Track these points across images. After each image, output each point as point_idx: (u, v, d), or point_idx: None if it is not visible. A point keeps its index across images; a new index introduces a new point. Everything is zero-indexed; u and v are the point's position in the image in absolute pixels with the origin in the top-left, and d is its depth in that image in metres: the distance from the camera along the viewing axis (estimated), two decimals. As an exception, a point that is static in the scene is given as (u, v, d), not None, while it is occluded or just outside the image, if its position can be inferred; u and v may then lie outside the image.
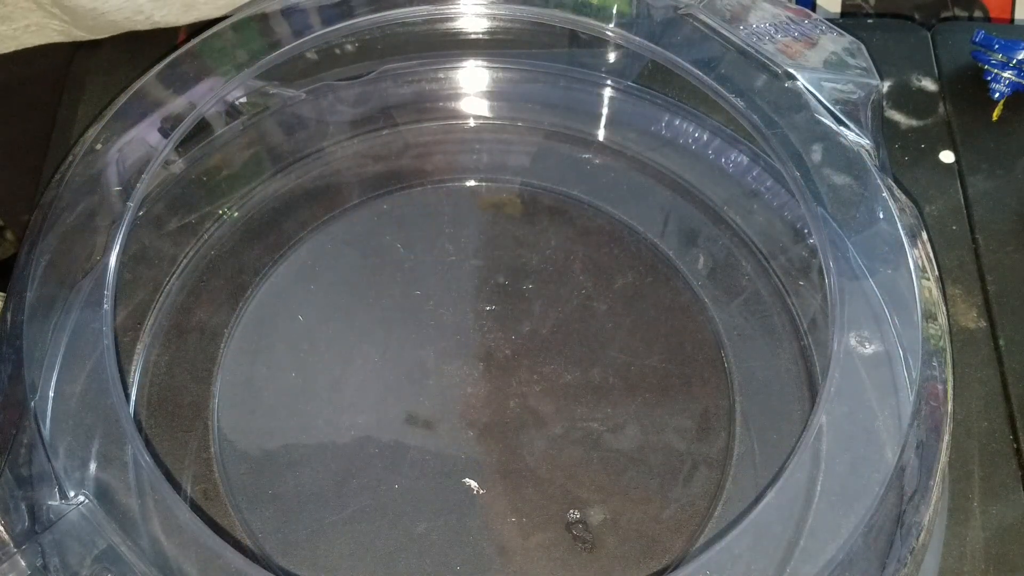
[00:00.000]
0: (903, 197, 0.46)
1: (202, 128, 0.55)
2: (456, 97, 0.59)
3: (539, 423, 0.47)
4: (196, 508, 0.44)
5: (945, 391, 0.41)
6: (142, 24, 0.60)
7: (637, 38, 0.52)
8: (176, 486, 0.44)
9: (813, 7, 0.68)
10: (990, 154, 0.57)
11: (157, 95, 0.49)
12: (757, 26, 0.51)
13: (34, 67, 0.62)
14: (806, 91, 0.48)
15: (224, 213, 0.54)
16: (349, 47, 0.58)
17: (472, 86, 0.59)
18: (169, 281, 0.51)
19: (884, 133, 0.51)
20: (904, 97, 0.59)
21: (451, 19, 0.58)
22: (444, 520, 0.44)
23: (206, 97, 0.49)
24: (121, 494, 0.38)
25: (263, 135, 0.57)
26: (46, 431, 0.39)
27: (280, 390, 0.48)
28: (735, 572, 0.36)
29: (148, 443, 0.46)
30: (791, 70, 0.49)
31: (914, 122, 0.58)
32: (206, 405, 0.47)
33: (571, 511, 0.44)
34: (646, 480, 0.45)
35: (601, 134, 0.58)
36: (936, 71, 0.60)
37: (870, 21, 0.66)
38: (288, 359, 0.49)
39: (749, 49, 0.50)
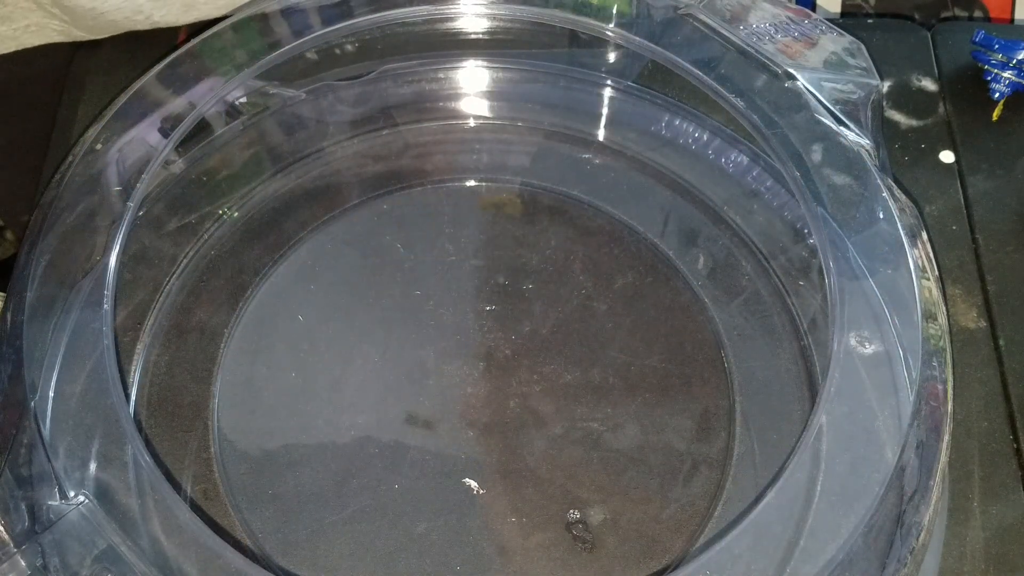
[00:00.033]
0: (903, 197, 0.46)
1: (202, 128, 0.55)
2: (456, 97, 0.59)
3: (539, 423, 0.47)
4: (196, 508, 0.44)
5: (945, 391, 0.41)
6: (142, 24, 0.60)
7: (637, 38, 0.52)
8: (176, 486, 0.44)
9: (813, 7, 0.68)
10: (990, 154, 0.57)
11: (157, 95, 0.49)
12: (757, 26, 0.51)
13: (34, 67, 0.62)
14: (806, 91, 0.48)
15: (224, 213, 0.54)
16: (349, 47, 0.58)
17: (472, 86, 0.59)
18: (169, 281, 0.51)
19: (884, 133, 0.51)
20: (904, 97, 0.59)
21: (451, 19, 0.58)
22: (444, 520, 0.44)
23: (206, 97, 0.49)
24: (121, 494, 0.38)
25: (263, 135, 0.57)
26: (46, 431, 0.39)
27: (280, 390, 0.48)
28: (735, 572, 0.36)
29: (148, 443, 0.46)
30: (791, 70, 0.49)
31: (914, 122, 0.58)
32: (206, 405, 0.47)
33: (571, 511, 0.44)
34: (646, 480, 0.45)
35: (601, 134, 0.58)
36: (936, 71, 0.60)
37: (870, 21, 0.66)
38: (288, 359, 0.49)
39: (749, 49, 0.50)
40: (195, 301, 0.51)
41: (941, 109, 0.59)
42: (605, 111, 0.59)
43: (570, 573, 0.43)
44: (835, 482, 0.38)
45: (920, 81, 0.60)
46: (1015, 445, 0.46)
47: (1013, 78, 0.58)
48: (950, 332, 0.46)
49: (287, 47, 0.51)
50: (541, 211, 0.54)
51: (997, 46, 0.58)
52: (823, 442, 0.39)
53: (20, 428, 0.39)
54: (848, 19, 0.67)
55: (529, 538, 0.43)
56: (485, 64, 0.59)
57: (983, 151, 0.57)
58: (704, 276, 0.51)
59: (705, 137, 0.56)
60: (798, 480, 0.38)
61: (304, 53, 0.54)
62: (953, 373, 0.42)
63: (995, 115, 0.58)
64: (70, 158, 0.48)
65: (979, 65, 0.59)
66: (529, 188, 0.55)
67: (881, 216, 0.44)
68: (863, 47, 0.51)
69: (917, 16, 0.67)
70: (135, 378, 0.48)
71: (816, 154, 0.46)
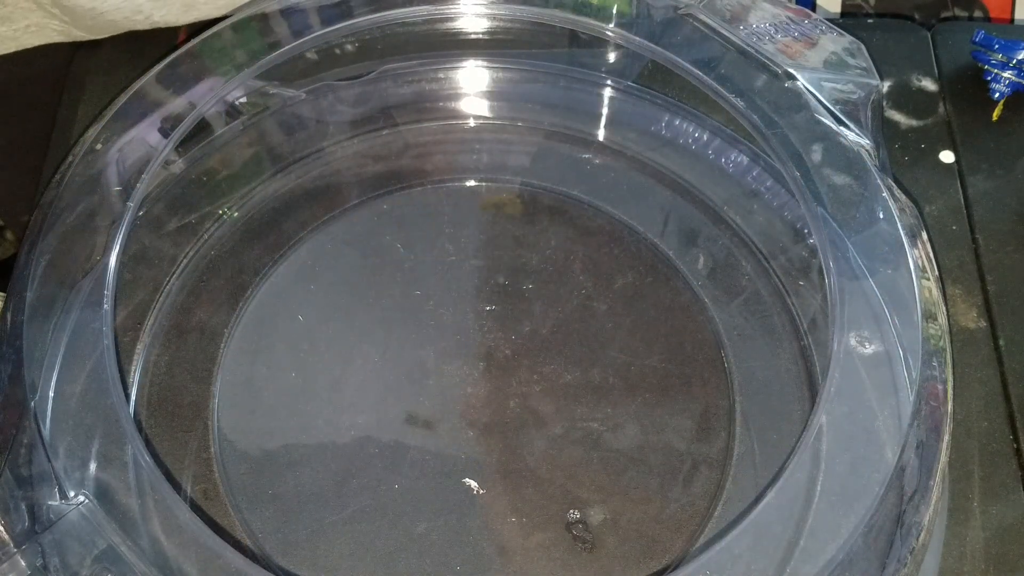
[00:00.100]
0: (903, 197, 0.46)
1: (202, 128, 0.55)
2: (456, 97, 0.59)
3: (539, 423, 0.47)
4: (196, 508, 0.44)
5: (945, 391, 0.41)
6: (142, 24, 0.60)
7: (637, 38, 0.52)
8: (176, 486, 0.44)
9: (813, 7, 0.68)
10: (990, 154, 0.57)
11: (157, 95, 0.49)
12: (757, 26, 0.51)
13: (34, 67, 0.62)
14: (806, 91, 0.48)
15: (224, 213, 0.54)
16: (349, 47, 0.58)
17: (472, 86, 0.59)
18: (169, 281, 0.51)
19: (884, 133, 0.51)
20: (904, 97, 0.59)
21: (451, 19, 0.58)
22: (444, 520, 0.44)
23: (206, 97, 0.49)
24: (121, 494, 0.38)
25: (263, 135, 0.57)
26: (46, 431, 0.39)
27: (280, 390, 0.48)
28: (735, 572, 0.36)
29: (148, 443, 0.46)
30: (791, 70, 0.49)
31: (914, 122, 0.58)
32: (206, 405, 0.47)
33: (571, 511, 0.44)
34: (646, 480, 0.45)
35: (601, 134, 0.58)
36: (936, 71, 0.60)
37: (870, 21, 0.66)
38: (288, 359, 0.49)
39: (749, 49, 0.50)
40: (195, 301, 0.51)
41: (941, 109, 0.59)
42: (605, 111, 0.59)
43: (570, 573, 0.43)
44: (835, 482, 0.38)
45: (920, 81, 0.60)
46: (1015, 445, 0.46)
47: (1013, 78, 0.58)
48: (950, 332, 0.46)
49: (287, 47, 0.51)
50: (541, 211, 0.54)
51: (997, 46, 0.58)
52: (823, 442, 0.39)
53: (20, 428, 0.39)
54: (848, 19, 0.67)
55: (529, 538, 0.43)
56: (485, 64, 0.59)
57: (983, 151, 0.57)
58: (704, 276, 0.51)
59: (705, 137, 0.56)
60: (798, 480, 0.38)
61: (304, 53, 0.54)
62: (953, 373, 0.42)
63: (995, 115, 0.58)
64: (70, 158, 0.48)
65: (979, 65, 0.59)
66: (529, 188, 0.55)
67: (881, 216, 0.44)
68: (863, 47, 0.51)
69: (917, 16, 0.67)
70: (135, 378, 0.48)
71: (816, 154, 0.46)
